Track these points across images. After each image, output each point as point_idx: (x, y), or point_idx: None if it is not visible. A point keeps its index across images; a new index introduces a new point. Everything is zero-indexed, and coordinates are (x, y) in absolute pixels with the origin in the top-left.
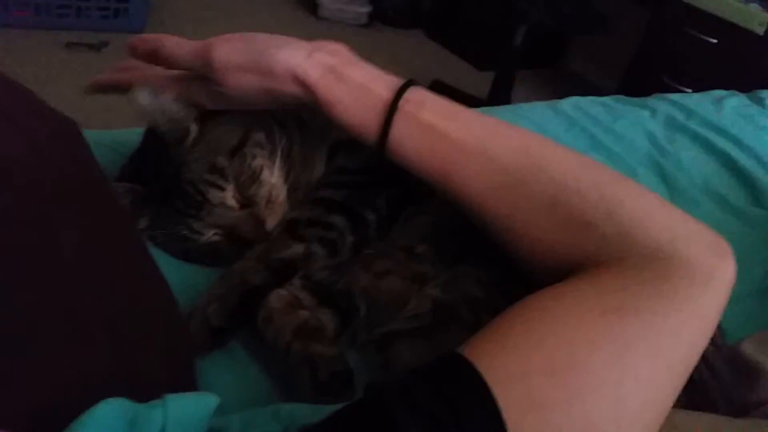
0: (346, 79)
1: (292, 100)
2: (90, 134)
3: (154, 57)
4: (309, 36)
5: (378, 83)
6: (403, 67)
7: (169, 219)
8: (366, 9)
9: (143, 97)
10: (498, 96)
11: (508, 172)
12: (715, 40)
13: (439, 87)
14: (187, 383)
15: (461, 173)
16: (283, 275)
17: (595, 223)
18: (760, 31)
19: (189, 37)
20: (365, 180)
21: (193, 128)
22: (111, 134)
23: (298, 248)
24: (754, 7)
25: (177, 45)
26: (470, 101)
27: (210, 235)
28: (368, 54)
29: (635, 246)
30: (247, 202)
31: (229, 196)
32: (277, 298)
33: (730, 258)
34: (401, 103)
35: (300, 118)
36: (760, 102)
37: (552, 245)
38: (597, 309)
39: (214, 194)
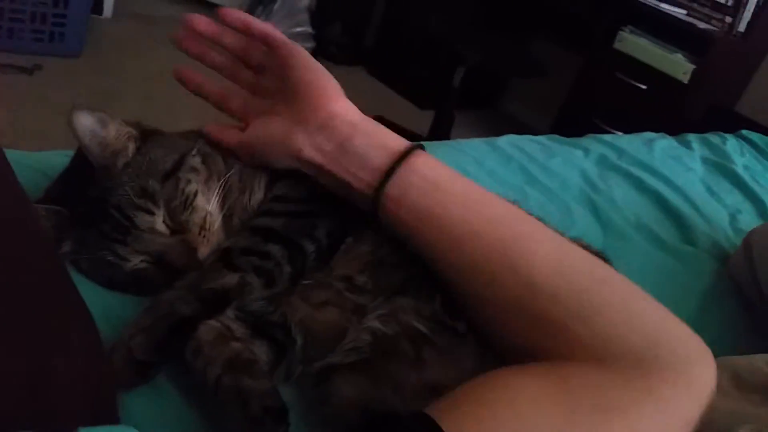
0: (334, 175)
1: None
2: (13, 155)
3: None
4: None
5: (359, 179)
6: None
7: (94, 244)
8: (309, 44)
9: (84, 119)
10: (438, 134)
11: (481, 271)
12: (644, 86)
13: (381, 123)
14: (108, 418)
15: (436, 256)
16: (215, 306)
17: (569, 327)
18: (685, 79)
19: (130, 67)
20: (305, 209)
21: (129, 150)
22: (36, 155)
23: (231, 278)
24: (680, 57)
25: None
26: (411, 138)
27: (137, 261)
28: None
29: (613, 352)
30: (178, 228)
31: (159, 221)
32: (208, 329)
33: (710, 360)
34: (382, 198)
35: None
36: (687, 145)
37: (522, 338)
38: (585, 404)
39: (142, 219)
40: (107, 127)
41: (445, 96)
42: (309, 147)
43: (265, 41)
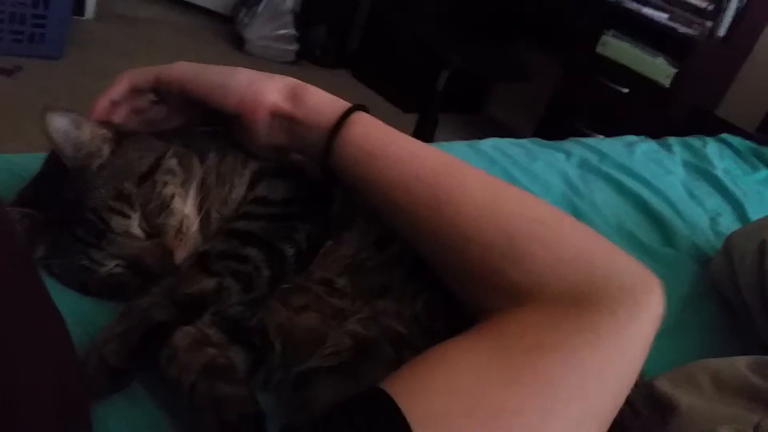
0: (292, 148)
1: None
2: None
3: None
4: None
5: (313, 141)
6: None
7: (68, 248)
8: (293, 47)
9: (57, 121)
10: (422, 137)
11: (419, 229)
12: (626, 90)
13: None
14: (80, 427)
15: (385, 217)
16: (191, 312)
17: (505, 271)
18: (666, 83)
19: (112, 70)
20: (284, 212)
21: (104, 152)
22: (12, 157)
23: (208, 283)
24: (661, 61)
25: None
26: None
27: (112, 266)
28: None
29: (549, 292)
30: (154, 232)
31: (135, 225)
32: (183, 334)
33: (658, 290)
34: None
35: (221, 144)
36: (668, 148)
37: (468, 285)
38: (518, 347)
39: (117, 222)
40: (81, 128)
41: (429, 99)
42: (267, 147)
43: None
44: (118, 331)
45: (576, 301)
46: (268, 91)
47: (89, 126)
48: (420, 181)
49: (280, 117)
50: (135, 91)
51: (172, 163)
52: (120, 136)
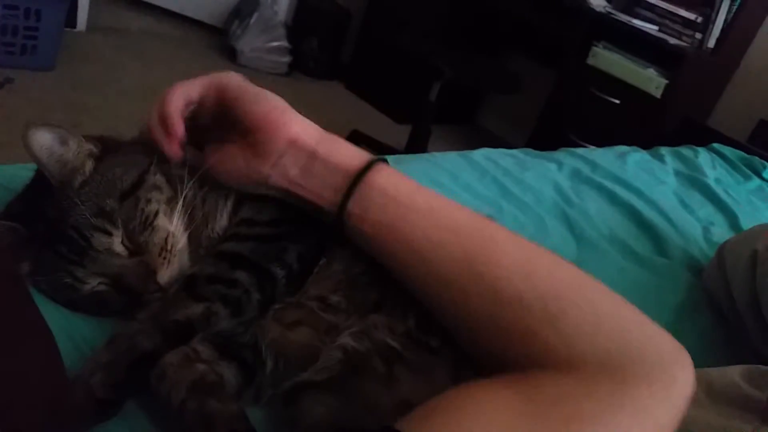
0: (305, 189)
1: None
2: None
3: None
4: None
5: (323, 198)
6: (323, 117)
7: (52, 265)
8: (286, 59)
9: (41, 136)
10: (415, 148)
11: (447, 282)
12: (617, 101)
13: (357, 137)
14: None
15: (403, 272)
16: (179, 339)
17: (537, 332)
18: (657, 93)
19: (104, 81)
20: (274, 232)
21: (87, 168)
22: (1, 168)
23: (196, 308)
24: (652, 72)
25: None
26: (388, 151)
27: (95, 284)
28: (287, 102)
29: (583, 357)
30: (137, 250)
31: (117, 242)
32: (173, 351)
33: (689, 364)
34: (345, 216)
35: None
36: (660, 158)
37: (496, 341)
38: (555, 415)
39: (99, 240)
40: (67, 144)
41: (422, 110)
42: (274, 175)
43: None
44: (104, 360)
45: (613, 373)
46: (298, 122)
47: (75, 141)
48: (453, 234)
49: (298, 148)
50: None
51: (158, 179)
52: (106, 150)
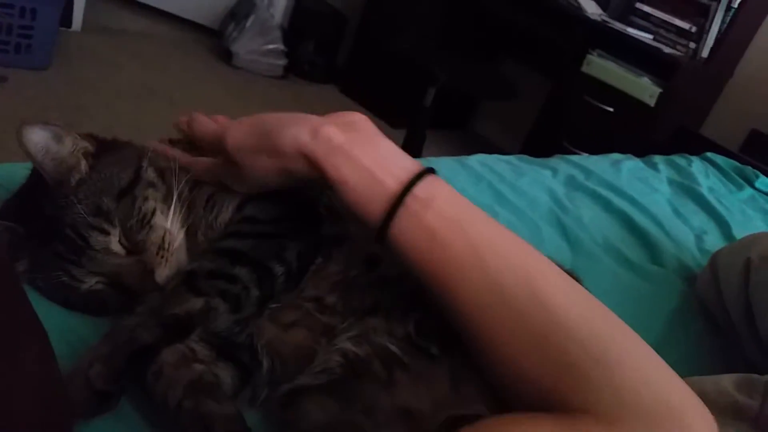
0: (354, 160)
1: (308, 177)
2: None
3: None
4: (221, 84)
5: (387, 170)
6: None
7: (48, 264)
8: (282, 62)
9: (33, 134)
10: (410, 153)
11: (503, 299)
12: (611, 109)
13: None
14: None
15: (454, 283)
16: (178, 333)
17: (589, 374)
18: (651, 102)
19: (99, 81)
20: (274, 230)
21: (83, 167)
22: None
23: (196, 303)
24: (646, 81)
25: (202, 124)
26: None
27: (92, 283)
28: (282, 105)
29: (630, 409)
30: (135, 249)
31: (114, 241)
32: (170, 350)
33: (711, 422)
34: (408, 199)
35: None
36: (653, 166)
37: (536, 383)
38: None
39: (96, 239)
40: (63, 141)
41: (417, 115)
42: (311, 137)
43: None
44: (103, 352)
45: (651, 424)
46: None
47: (71, 139)
48: (516, 248)
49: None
50: None
51: (151, 175)
52: (100, 149)
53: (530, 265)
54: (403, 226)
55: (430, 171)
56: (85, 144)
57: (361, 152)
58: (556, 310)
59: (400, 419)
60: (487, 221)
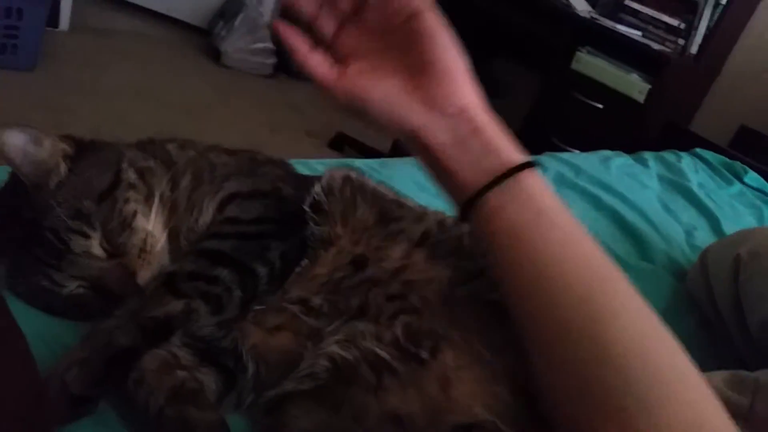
0: (450, 156)
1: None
2: None
3: None
4: (210, 83)
5: (504, 143)
6: (307, 119)
7: (28, 268)
8: (271, 60)
9: (11, 137)
10: (400, 151)
11: (556, 318)
12: (600, 106)
13: (342, 139)
14: None
15: (519, 287)
16: (157, 335)
17: (631, 413)
18: (641, 98)
19: (87, 82)
20: (257, 231)
21: (62, 169)
22: None
23: (176, 305)
24: (635, 77)
25: None
26: (373, 155)
27: (73, 287)
28: (272, 104)
29: None
30: (116, 252)
31: (95, 245)
32: (152, 356)
33: None
34: (522, 174)
35: (198, 168)
36: (643, 162)
37: (568, 407)
38: None
39: (77, 242)
40: (42, 144)
41: None
42: (427, 129)
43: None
44: (80, 356)
45: None
46: (474, 92)
47: (49, 141)
48: (582, 268)
49: (464, 119)
50: None
51: (131, 176)
52: (80, 151)
53: (597, 287)
54: (506, 199)
55: (532, 164)
56: (64, 146)
57: (447, 158)
58: (607, 335)
59: (390, 425)
60: (568, 228)
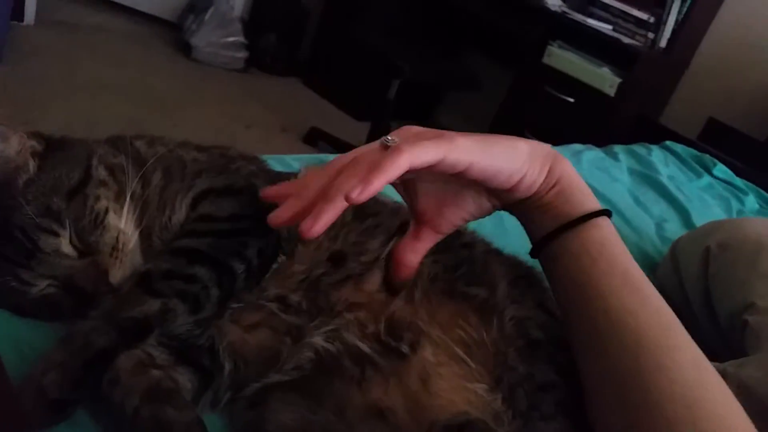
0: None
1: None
2: None
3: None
4: (180, 78)
5: (552, 214)
6: (281, 114)
7: None
8: (242, 54)
9: None
10: None
11: (606, 365)
12: (572, 99)
13: (316, 134)
14: None
15: (573, 320)
16: (135, 336)
17: None
18: (611, 92)
19: (54, 77)
20: (233, 228)
21: (30, 166)
22: None
23: (152, 304)
24: (606, 71)
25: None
26: (348, 149)
27: (43, 286)
28: (244, 99)
29: None
30: (87, 250)
31: (65, 243)
32: (127, 356)
33: None
34: (599, 219)
35: (168, 166)
36: (614, 156)
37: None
38: None
39: (46, 241)
40: (9, 141)
41: (381, 108)
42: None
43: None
44: (57, 359)
45: None
46: (540, 174)
47: (17, 138)
48: (633, 318)
49: (527, 187)
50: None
51: (101, 173)
52: (49, 147)
53: (647, 340)
54: (589, 234)
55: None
56: (33, 143)
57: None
58: (654, 394)
59: (372, 419)
60: (631, 281)
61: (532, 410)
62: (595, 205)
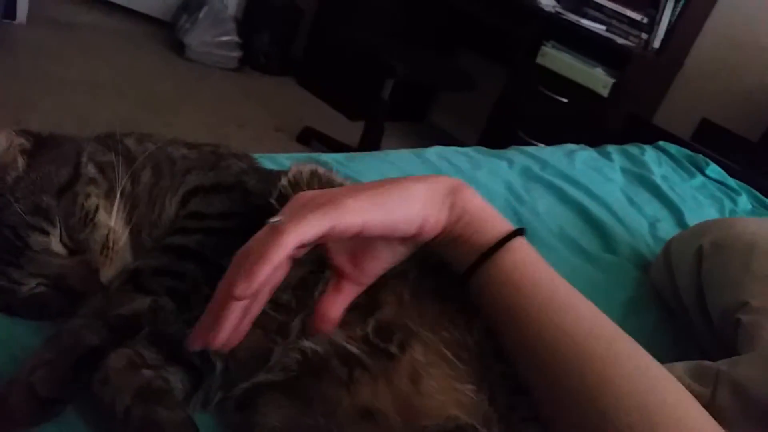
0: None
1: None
2: None
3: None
4: (174, 77)
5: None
6: (274, 113)
7: None
8: (236, 53)
9: None
10: (368, 145)
11: (549, 382)
12: (565, 100)
13: (310, 134)
14: None
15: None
16: (125, 333)
17: None
18: (605, 92)
19: (47, 75)
20: (222, 226)
21: (19, 164)
22: None
23: (142, 302)
24: (599, 72)
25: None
26: (341, 148)
27: (33, 285)
28: (238, 98)
29: None
30: (77, 248)
31: (55, 241)
32: (117, 356)
33: None
34: (514, 242)
35: (157, 163)
36: (607, 156)
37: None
38: None
39: (36, 239)
40: None
41: (375, 107)
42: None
43: None
44: (47, 357)
45: None
46: (442, 212)
47: (5, 136)
48: (568, 336)
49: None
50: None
51: (91, 170)
52: (38, 145)
53: (587, 353)
54: (505, 261)
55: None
56: (21, 141)
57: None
58: (604, 408)
59: (361, 420)
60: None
61: (512, 411)
62: (507, 227)
